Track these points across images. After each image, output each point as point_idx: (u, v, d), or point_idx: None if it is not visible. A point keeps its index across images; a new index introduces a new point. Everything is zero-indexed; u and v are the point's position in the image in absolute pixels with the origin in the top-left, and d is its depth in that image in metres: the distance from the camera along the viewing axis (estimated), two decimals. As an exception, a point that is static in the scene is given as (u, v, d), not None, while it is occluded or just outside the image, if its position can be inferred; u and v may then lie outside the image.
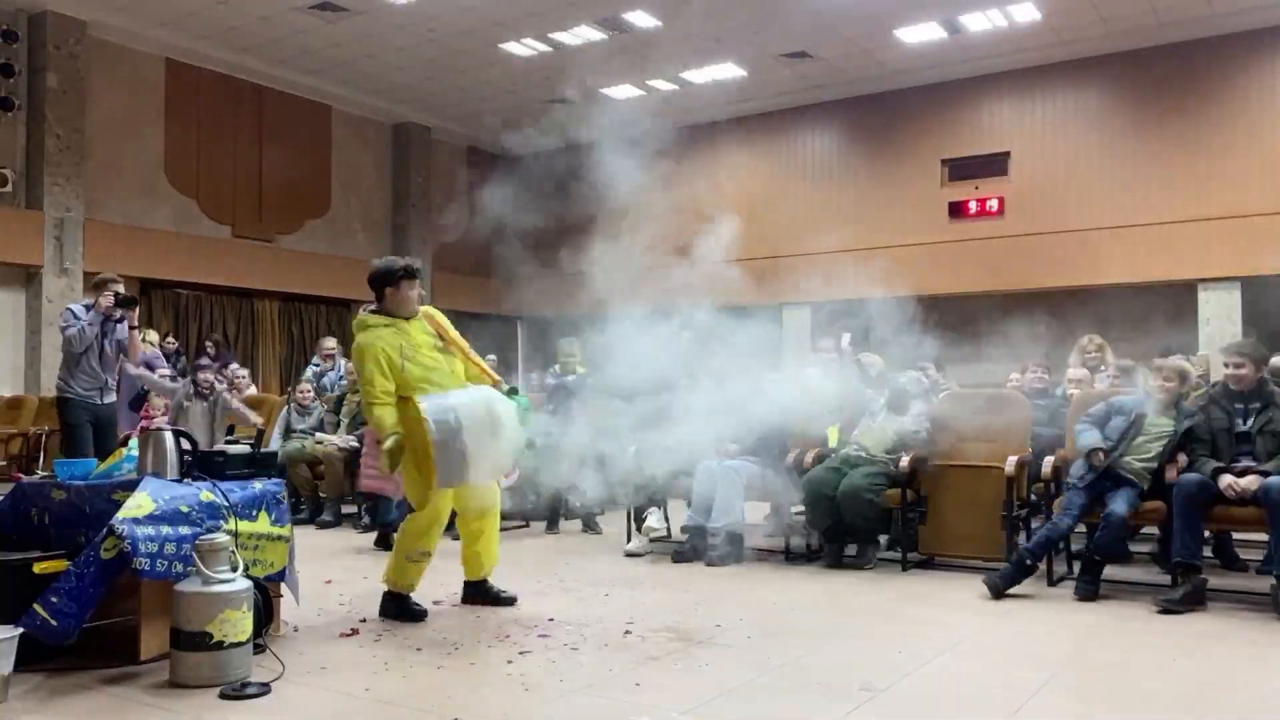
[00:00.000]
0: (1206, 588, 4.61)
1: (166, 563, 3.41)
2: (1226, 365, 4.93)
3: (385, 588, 4.38)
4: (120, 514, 3.39)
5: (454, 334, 4.50)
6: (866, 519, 5.43)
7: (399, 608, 4.33)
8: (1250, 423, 4.72)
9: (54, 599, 3.31)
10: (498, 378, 4.56)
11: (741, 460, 5.82)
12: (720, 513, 5.64)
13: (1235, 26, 12.46)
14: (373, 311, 4.34)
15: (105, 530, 3.38)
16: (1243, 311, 12.48)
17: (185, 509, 3.54)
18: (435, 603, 4.60)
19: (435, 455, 3.98)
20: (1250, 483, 4.48)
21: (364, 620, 4.30)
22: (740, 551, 5.74)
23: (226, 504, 3.66)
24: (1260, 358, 4.86)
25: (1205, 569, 5.35)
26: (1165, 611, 4.42)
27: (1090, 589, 4.74)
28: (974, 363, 10.78)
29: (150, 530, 3.41)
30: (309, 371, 9.29)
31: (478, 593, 4.59)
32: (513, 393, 4.43)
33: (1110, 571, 4.96)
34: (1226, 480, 4.54)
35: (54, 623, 3.30)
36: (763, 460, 5.85)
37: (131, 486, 3.57)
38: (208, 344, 11.21)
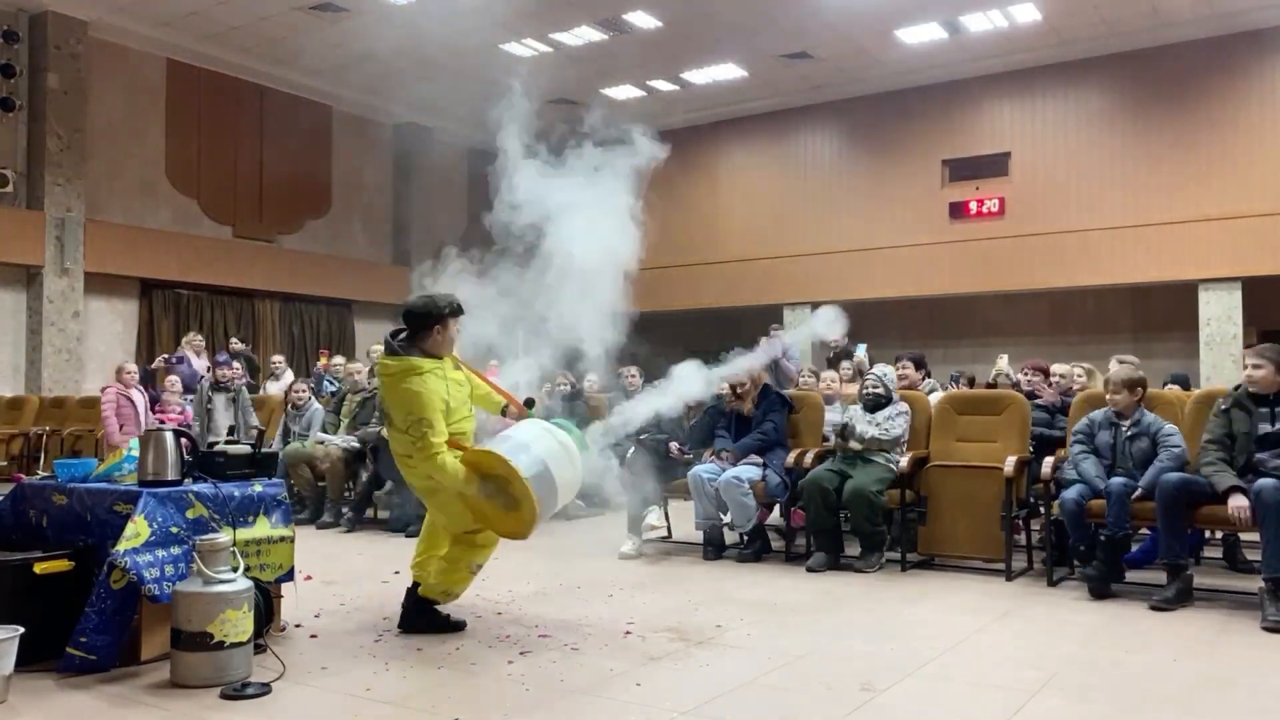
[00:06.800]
0: (1193, 585, 4.64)
1: (171, 584, 3.47)
2: (1245, 366, 4.87)
3: (428, 597, 4.04)
4: (121, 545, 3.43)
5: (471, 369, 4.28)
6: (872, 521, 5.41)
7: (430, 620, 4.04)
8: (1275, 425, 4.60)
9: (83, 639, 3.43)
10: (512, 395, 4.35)
11: (743, 466, 5.84)
12: (744, 521, 5.79)
13: (1235, 27, 12.45)
14: (412, 350, 3.90)
15: (107, 566, 3.43)
16: (1243, 312, 12.48)
17: (175, 529, 3.58)
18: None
19: (538, 503, 3.79)
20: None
21: (362, 618, 4.30)
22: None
23: (216, 516, 3.70)
24: None
25: (1211, 570, 5.38)
26: (1157, 609, 4.47)
27: (1094, 584, 4.74)
28: (983, 362, 10.77)
29: (149, 557, 3.47)
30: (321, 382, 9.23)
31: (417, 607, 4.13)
32: (530, 404, 4.30)
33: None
34: (1234, 504, 4.43)
35: (93, 657, 3.44)
36: (767, 461, 5.87)
37: (132, 498, 3.58)
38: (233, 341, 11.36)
